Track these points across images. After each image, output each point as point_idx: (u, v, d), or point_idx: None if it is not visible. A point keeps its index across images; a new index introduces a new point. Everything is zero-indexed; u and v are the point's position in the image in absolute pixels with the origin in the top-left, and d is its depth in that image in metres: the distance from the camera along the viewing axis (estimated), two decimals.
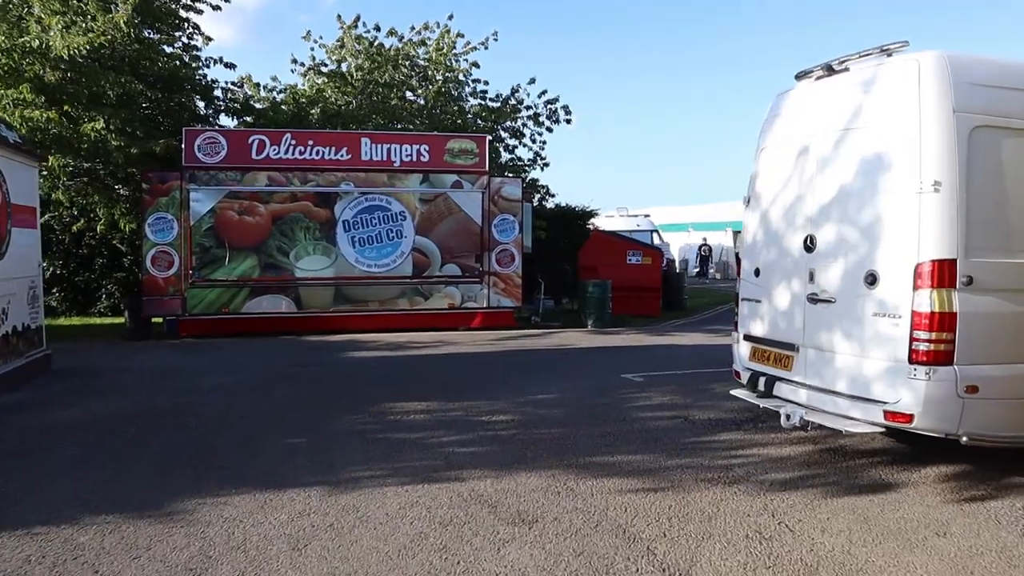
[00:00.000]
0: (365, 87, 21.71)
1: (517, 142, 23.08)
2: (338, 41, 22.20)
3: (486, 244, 16.34)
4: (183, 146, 14.83)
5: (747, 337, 7.35)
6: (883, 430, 6.12)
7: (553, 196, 24.91)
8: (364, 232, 15.73)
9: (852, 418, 5.86)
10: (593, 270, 19.00)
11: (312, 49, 22.98)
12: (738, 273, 7.75)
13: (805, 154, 6.56)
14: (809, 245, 6.39)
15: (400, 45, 22.18)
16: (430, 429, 7.67)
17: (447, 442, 7.20)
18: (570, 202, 27.12)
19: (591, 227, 28.30)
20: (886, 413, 5.59)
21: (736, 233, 39.62)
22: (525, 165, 23.68)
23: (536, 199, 23.31)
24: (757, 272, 7.19)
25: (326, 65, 22.10)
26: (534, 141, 23.25)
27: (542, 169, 24.22)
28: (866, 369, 5.79)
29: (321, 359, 12.46)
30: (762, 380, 6.89)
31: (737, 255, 11.20)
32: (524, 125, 22.94)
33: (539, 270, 18.83)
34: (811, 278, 6.33)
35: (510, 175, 20.37)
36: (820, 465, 6.51)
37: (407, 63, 22.44)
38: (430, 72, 22.56)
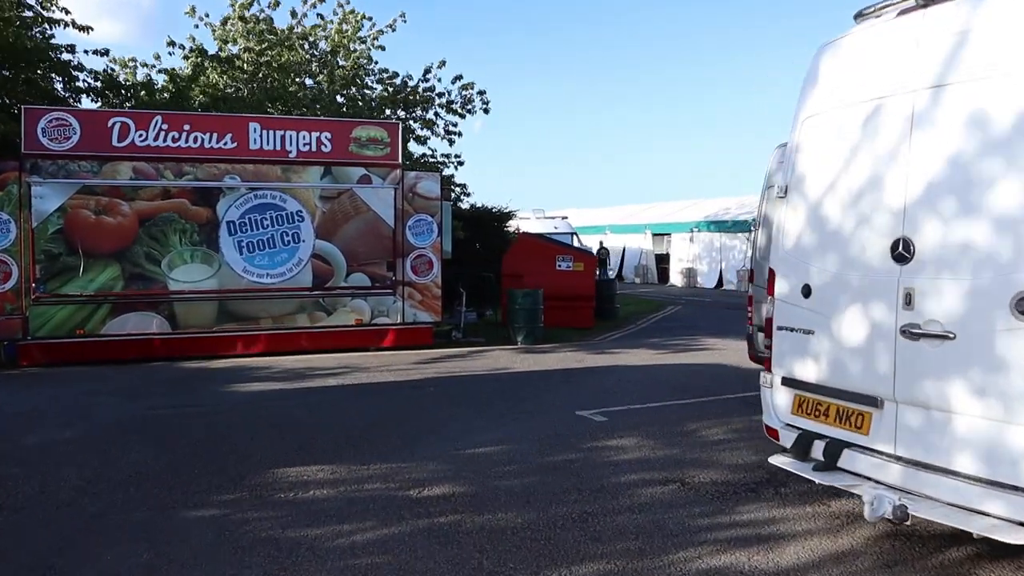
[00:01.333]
0: (256, 71, 19.08)
1: (430, 133, 20.77)
2: (226, 20, 19.45)
3: (400, 249, 14.00)
4: (23, 129, 11.98)
5: (789, 382, 5.28)
6: None
7: (469, 195, 22.74)
8: (253, 236, 13.19)
9: (992, 516, 3.85)
10: (519, 277, 16.90)
11: (197, 27, 20.20)
12: (770, 291, 5.64)
13: (886, 120, 4.55)
14: (902, 252, 4.36)
15: (294, 23, 19.60)
16: (336, 517, 5.34)
17: (362, 544, 4.89)
18: (485, 202, 25.05)
19: (510, 229, 26.28)
20: None
21: (659, 236, 38.29)
22: (439, 161, 21.38)
23: (452, 198, 21.08)
24: (807, 291, 5.12)
25: (209, 51, 19.30)
26: (449, 132, 20.99)
27: (456, 167, 22.01)
28: (1015, 441, 3.79)
29: (196, 396, 9.91)
30: (820, 445, 4.83)
31: (752, 269, 9.29)
32: (437, 115, 20.67)
33: (460, 278, 16.60)
34: (907, 302, 4.29)
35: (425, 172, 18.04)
36: (902, 563, 4.51)
37: (305, 45, 19.92)
38: (330, 57, 20.07)
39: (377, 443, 7.33)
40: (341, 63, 20.01)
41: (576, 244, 32.58)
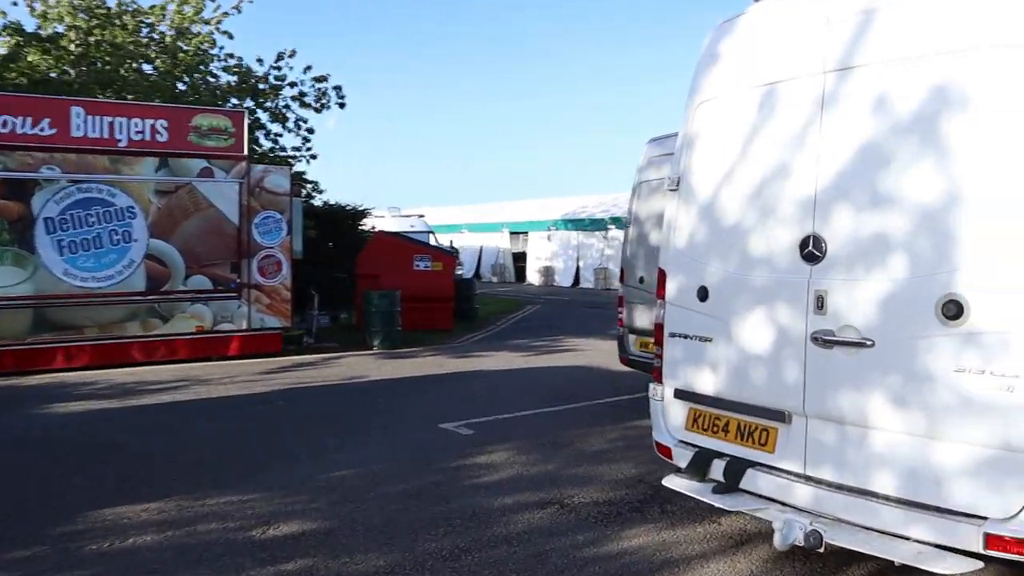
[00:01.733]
0: (85, 53, 17.31)
1: (280, 126, 19.55)
2: None
3: (245, 249, 12.90)
4: None
5: (684, 394, 4.81)
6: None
7: (322, 192, 21.64)
8: (77, 234, 11.77)
9: (915, 540, 3.47)
10: (375, 278, 16.07)
11: (15, 3, 18.10)
12: (660, 294, 5.15)
13: (794, 103, 4.14)
14: (812, 251, 3.95)
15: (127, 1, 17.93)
16: (161, 572, 4.46)
17: None
18: (339, 200, 24.00)
19: (365, 228, 25.30)
20: (989, 538, 3.25)
21: (516, 234, 38.12)
22: (290, 156, 20.17)
23: (303, 195, 19.94)
24: (703, 294, 4.65)
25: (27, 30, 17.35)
26: (299, 127, 19.83)
27: (308, 162, 20.88)
28: (940, 459, 3.43)
29: (0, 421, 8.61)
30: (720, 464, 4.37)
31: (623, 268, 8.84)
32: (287, 107, 19.46)
33: (311, 280, 15.60)
34: (819, 305, 3.88)
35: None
36: None
37: (142, 24, 18.27)
38: (171, 40, 18.50)
39: (216, 472, 6.43)
40: (183, 48, 18.48)
41: (433, 243, 32.02)
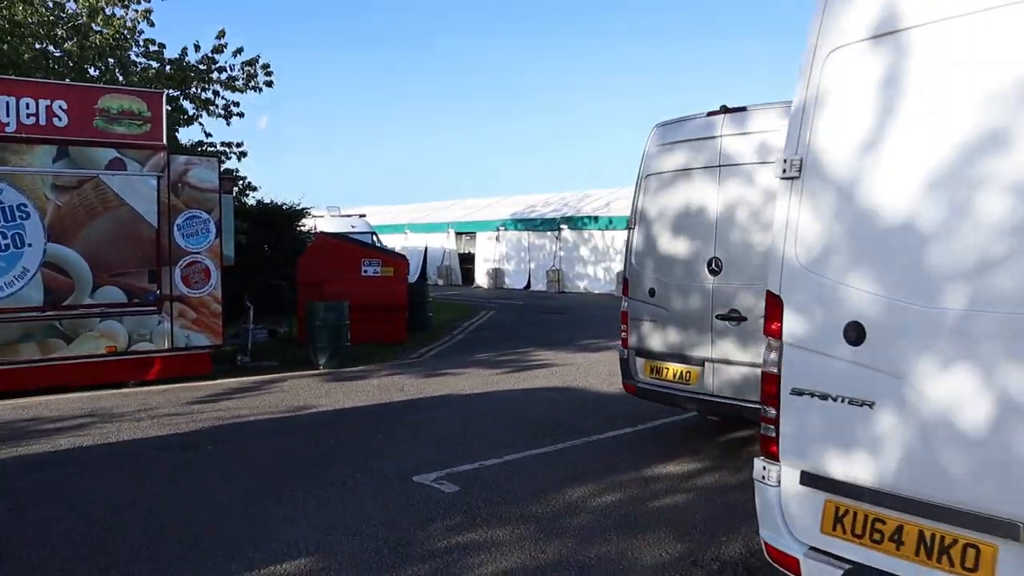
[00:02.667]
0: None
1: (205, 113, 17.46)
2: None
3: (166, 255, 10.95)
4: None
5: (818, 481, 3.18)
6: None
7: (255, 190, 19.62)
8: None
9: None
10: (318, 286, 14.25)
11: None
12: (770, 329, 3.49)
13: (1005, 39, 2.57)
14: None
15: None
16: None
17: None
18: (275, 198, 22.02)
19: (305, 229, 23.36)
20: None
21: (463, 235, 36.39)
22: (219, 151, 18.12)
23: (235, 192, 17.95)
24: (856, 335, 3.02)
25: None
26: (230, 114, 17.81)
27: (239, 158, 18.87)
28: None
29: None
30: None
31: (627, 278, 7.30)
32: (216, 93, 17.43)
33: (245, 288, 13.71)
34: None
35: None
36: None
37: (49, 3, 16.10)
38: (84, 21, 16.33)
39: (106, 571, 4.64)
40: (97, 29, 16.32)
41: (376, 244, 30.14)
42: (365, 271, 15.02)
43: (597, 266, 28.83)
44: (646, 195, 7.62)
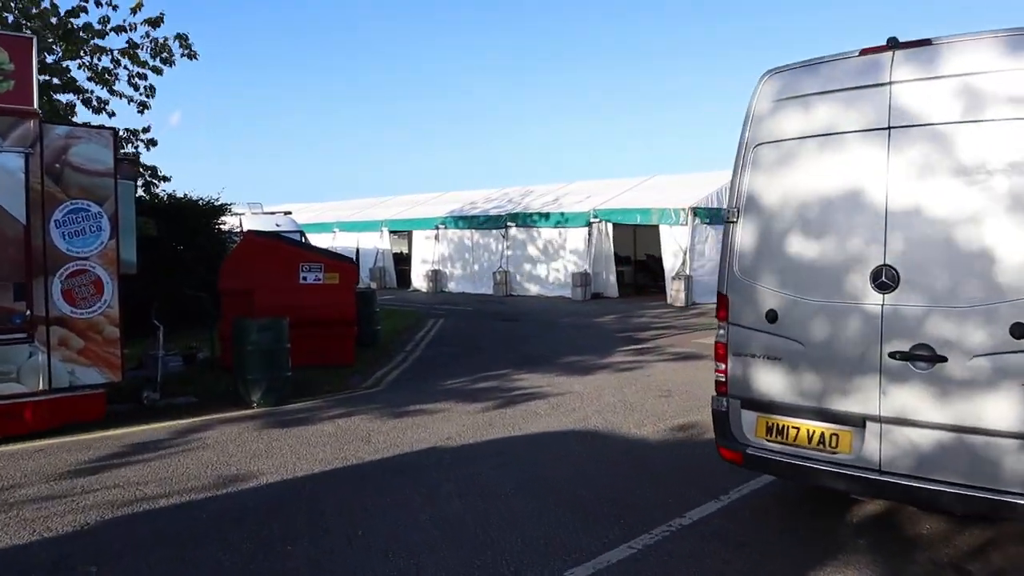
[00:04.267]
0: None
1: (102, 86, 14.36)
2: None
3: (39, 262, 8.03)
4: None
5: None
6: None
7: (167, 180, 16.50)
8: None
9: None
10: (246, 296, 11.51)
11: None
12: None
13: None
14: None
15: None
16: None
17: None
18: (189, 192, 18.94)
19: (225, 228, 20.33)
20: None
21: (398, 234, 33.58)
22: (123, 138, 15.01)
23: (141, 183, 14.92)
24: None
25: None
26: (137, 89, 14.74)
27: (148, 147, 15.81)
28: None
29: None
30: None
31: (726, 294, 5.24)
32: (118, 62, 14.33)
33: (152, 302, 10.80)
34: None
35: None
36: None
37: None
38: None
39: None
40: None
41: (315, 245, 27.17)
42: (304, 278, 12.26)
43: (548, 267, 26.41)
44: (756, 173, 5.21)
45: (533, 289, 26.76)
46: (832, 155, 4.82)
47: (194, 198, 18.83)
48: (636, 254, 30.97)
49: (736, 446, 5.25)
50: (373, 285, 31.99)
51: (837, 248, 4.76)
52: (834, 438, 4.80)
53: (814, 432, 4.88)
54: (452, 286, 29.60)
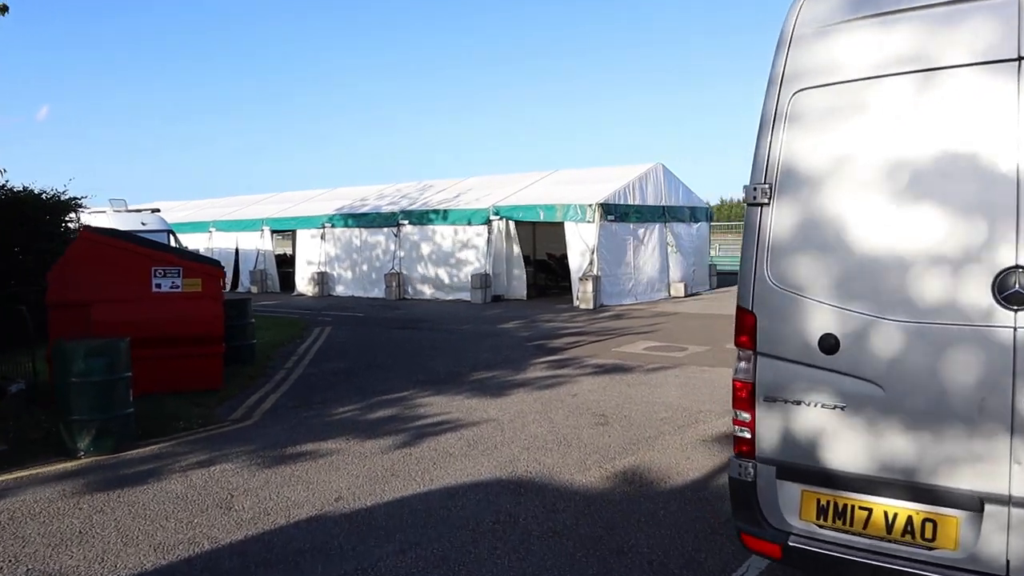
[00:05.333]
0: None
1: None
2: None
3: None
4: None
5: None
6: None
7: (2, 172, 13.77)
8: None
9: None
10: (80, 309, 9.29)
11: None
12: None
13: None
14: None
15: None
16: None
17: None
18: (30, 184, 16.21)
19: (72, 226, 17.57)
20: None
21: (281, 233, 30.97)
22: None
23: None
24: None
25: None
26: None
27: None
28: None
29: None
30: None
31: (753, 314, 3.29)
32: None
33: None
34: None
35: None
36: None
37: None
38: None
39: None
40: None
41: (174, 246, 24.44)
42: (158, 285, 10.04)
43: (446, 268, 24.50)
44: (798, 130, 3.53)
45: (429, 292, 24.80)
46: (926, 100, 3.19)
47: (36, 191, 16.14)
48: (536, 253, 29.42)
49: (771, 534, 3.56)
50: (254, 290, 29.43)
51: (937, 241, 3.13)
52: (930, 526, 3.18)
53: (897, 516, 3.26)
54: (340, 289, 27.28)
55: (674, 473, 6.56)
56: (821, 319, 3.40)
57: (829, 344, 3.37)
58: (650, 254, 23.39)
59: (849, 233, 3.35)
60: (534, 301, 23.44)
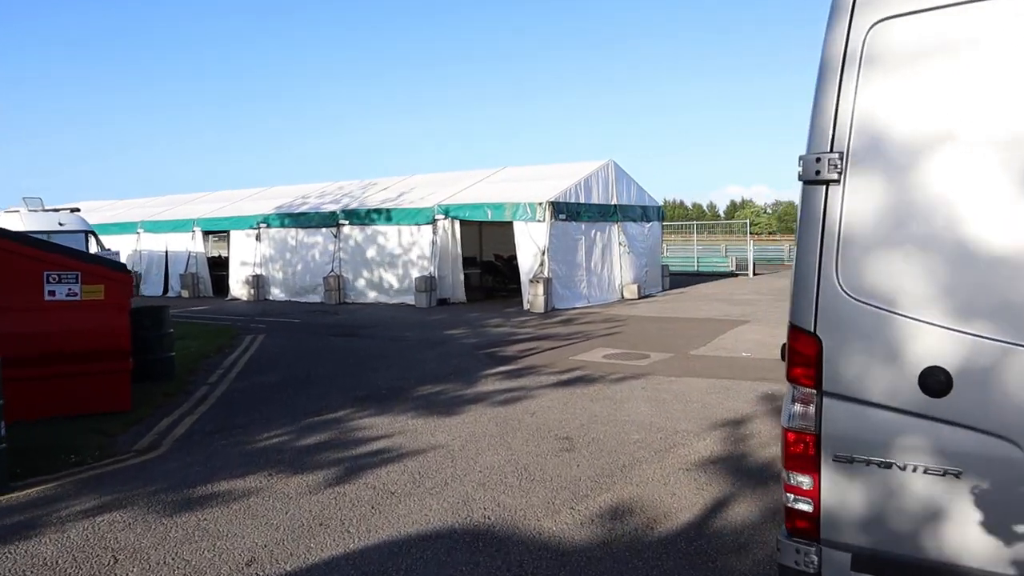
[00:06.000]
0: None
1: None
2: None
3: None
4: None
5: None
6: None
7: None
8: None
9: None
10: None
11: None
12: None
13: None
14: None
15: None
16: None
17: None
18: None
19: None
20: None
21: (213, 234, 29.34)
22: None
23: None
24: None
25: None
26: None
27: None
28: None
29: None
30: None
31: (814, 340, 2.22)
32: None
33: None
34: None
35: None
36: None
37: None
38: None
39: None
40: None
41: (93, 248, 22.77)
42: (52, 292, 8.67)
43: (388, 270, 23.22)
44: (878, 77, 2.48)
45: (371, 295, 23.49)
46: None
47: None
48: (483, 254, 28.30)
49: None
50: (185, 294, 27.76)
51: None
52: None
53: None
54: (276, 293, 25.80)
55: (660, 515, 5.51)
56: (923, 346, 2.37)
57: (937, 382, 2.34)
58: (602, 255, 22.46)
59: (964, 223, 2.32)
60: (481, 304, 22.34)
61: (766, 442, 7.34)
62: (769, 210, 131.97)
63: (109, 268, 9.10)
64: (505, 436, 7.75)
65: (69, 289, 8.74)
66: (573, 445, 7.38)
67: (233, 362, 12.94)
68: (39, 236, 21.46)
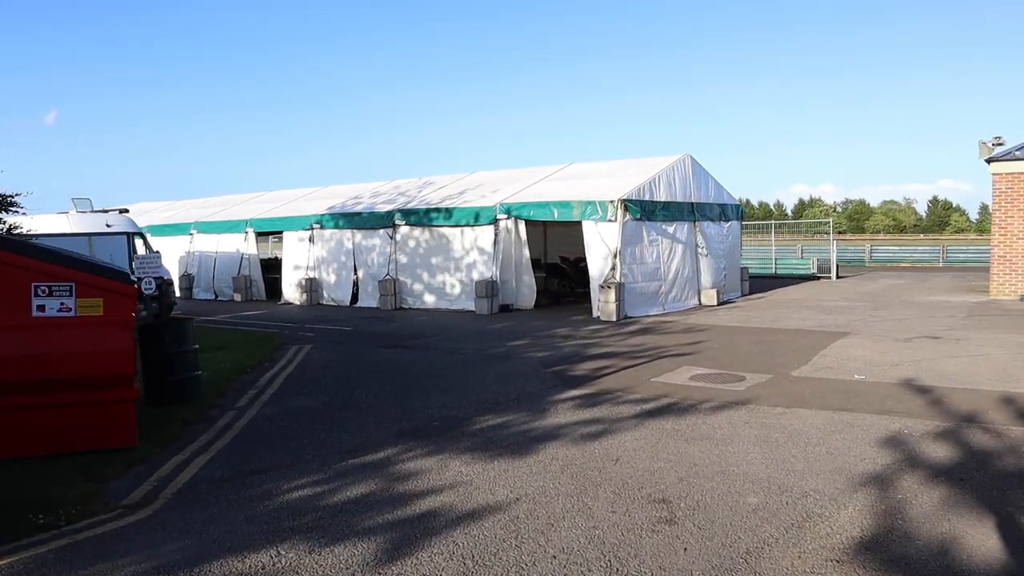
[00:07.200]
0: None
1: None
2: None
3: None
4: None
5: None
6: None
7: None
8: None
9: None
10: None
11: None
12: None
13: None
14: None
15: None
16: None
17: None
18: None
19: (24, 230, 14.88)
20: None
21: (266, 235, 28.24)
22: None
23: None
24: None
25: None
26: None
27: None
28: None
29: None
30: None
31: None
32: None
33: None
34: None
35: None
36: None
37: None
38: None
39: None
40: None
41: (142, 250, 21.75)
42: (41, 307, 7.29)
43: (447, 275, 21.64)
44: None
45: (429, 301, 21.97)
46: None
47: None
48: (547, 256, 26.60)
49: None
50: (237, 298, 26.68)
51: None
52: None
53: None
54: (329, 296, 24.48)
55: None
56: None
57: None
58: (679, 257, 20.53)
59: None
60: (546, 311, 20.62)
61: (929, 513, 5.52)
62: (839, 208, 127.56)
63: (109, 278, 7.66)
64: (584, 495, 6.07)
65: (62, 304, 7.34)
66: (673, 513, 5.66)
67: (269, 380, 11.49)
68: (81, 239, 20.51)
